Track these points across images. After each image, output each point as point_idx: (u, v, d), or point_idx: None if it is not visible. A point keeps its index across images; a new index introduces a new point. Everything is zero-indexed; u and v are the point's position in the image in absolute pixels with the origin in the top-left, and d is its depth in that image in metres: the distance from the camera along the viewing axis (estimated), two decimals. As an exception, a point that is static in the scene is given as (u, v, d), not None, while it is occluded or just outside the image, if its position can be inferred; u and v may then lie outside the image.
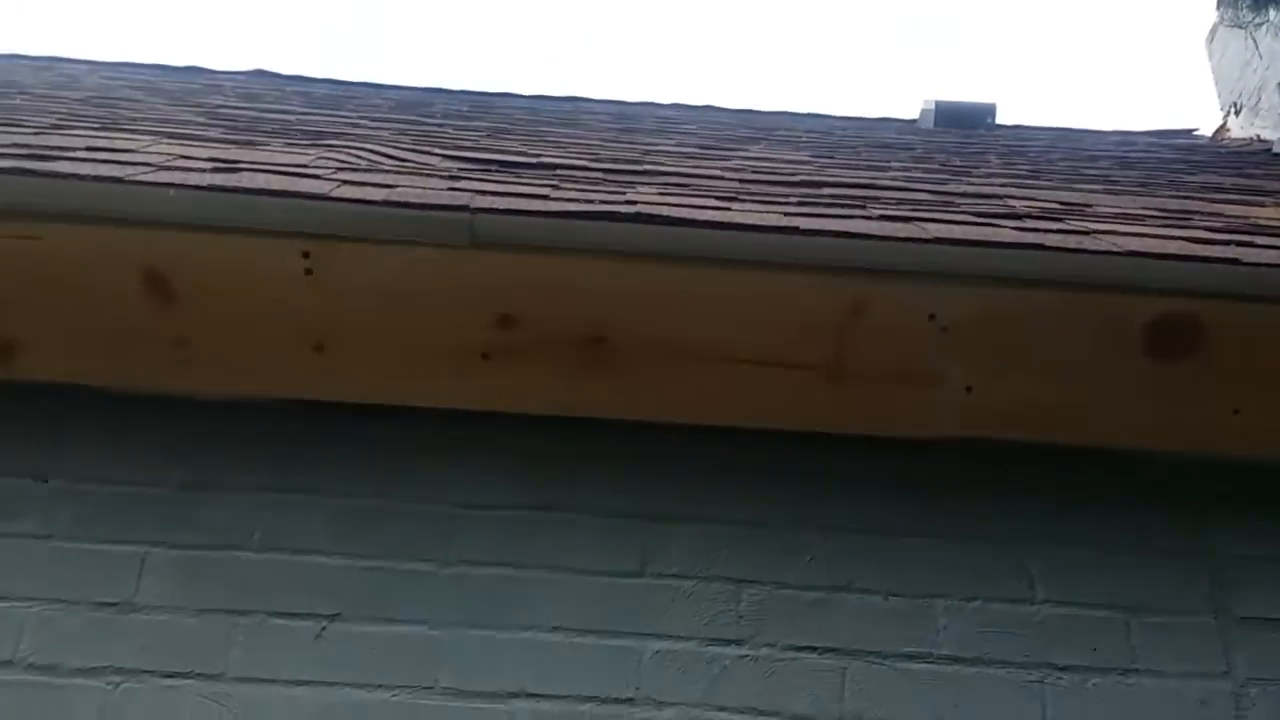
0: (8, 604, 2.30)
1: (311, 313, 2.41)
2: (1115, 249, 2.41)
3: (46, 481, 2.43)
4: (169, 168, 2.50)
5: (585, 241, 2.36)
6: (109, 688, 2.23)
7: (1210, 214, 3.05)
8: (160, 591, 2.33)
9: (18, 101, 3.78)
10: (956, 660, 2.34)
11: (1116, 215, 2.88)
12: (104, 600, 2.32)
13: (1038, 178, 3.81)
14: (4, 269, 2.36)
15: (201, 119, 3.67)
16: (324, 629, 2.31)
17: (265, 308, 2.41)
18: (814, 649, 2.34)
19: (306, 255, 2.35)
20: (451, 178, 2.73)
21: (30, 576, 2.33)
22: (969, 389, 2.45)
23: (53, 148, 2.62)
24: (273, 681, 2.25)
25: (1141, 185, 3.75)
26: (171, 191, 2.34)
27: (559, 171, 2.99)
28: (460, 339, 2.43)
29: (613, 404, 2.49)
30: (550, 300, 2.39)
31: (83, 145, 2.70)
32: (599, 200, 2.52)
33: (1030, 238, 2.46)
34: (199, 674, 2.25)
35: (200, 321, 2.43)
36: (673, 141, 4.12)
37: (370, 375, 2.47)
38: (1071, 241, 2.45)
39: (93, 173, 2.38)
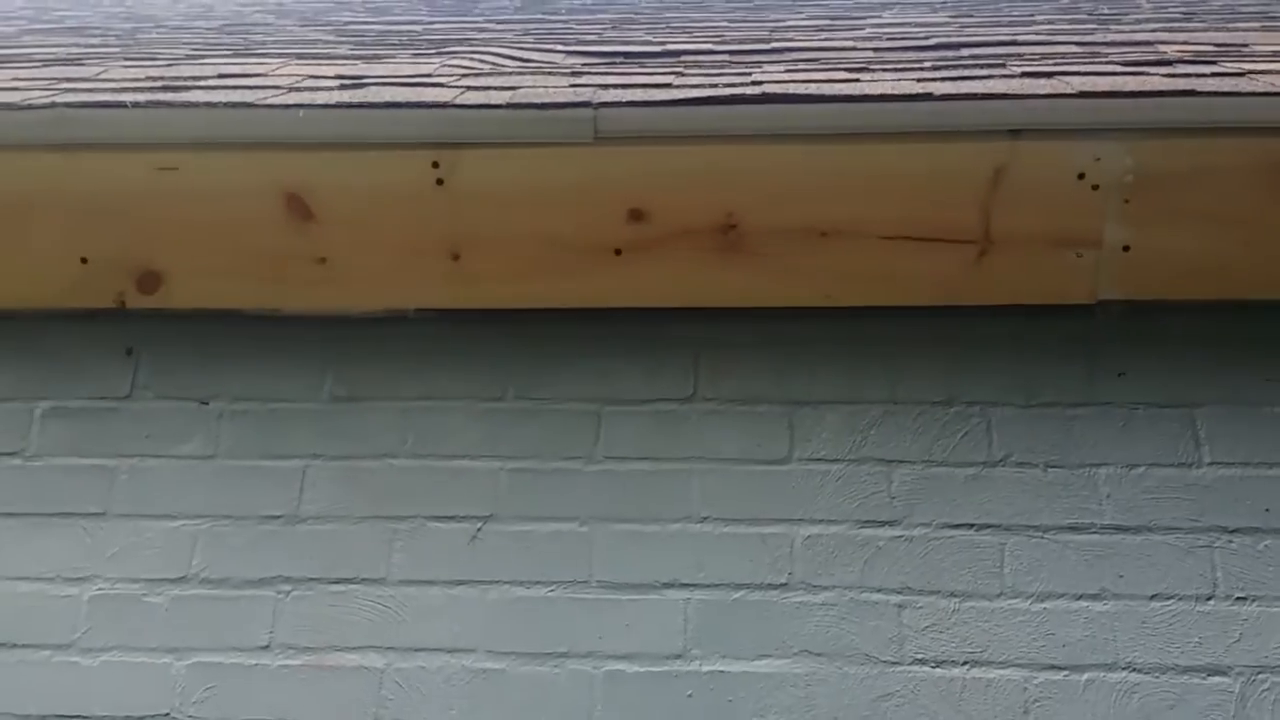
0: (179, 522, 2.40)
1: (445, 221, 2.42)
2: (1274, 89, 2.25)
3: (207, 404, 2.51)
4: (297, 89, 2.53)
5: (711, 127, 2.31)
6: (280, 596, 2.32)
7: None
8: (322, 502, 2.41)
9: (153, 35, 3.86)
10: (1120, 529, 2.26)
11: (1276, 53, 2.69)
12: (269, 514, 2.40)
13: (1191, 19, 3.59)
14: (146, 201, 2.43)
15: (331, 36, 3.69)
16: (479, 529, 2.35)
17: (400, 220, 2.43)
18: (970, 525, 2.29)
19: (436, 165, 2.36)
20: (574, 74, 2.70)
21: (199, 495, 2.43)
22: (1126, 248, 2.34)
23: (186, 78, 2.67)
24: (433, 583, 2.31)
25: (1305, 17, 3.50)
26: (300, 113, 2.36)
27: (684, 58, 2.93)
28: (592, 236, 2.42)
29: (750, 291, 2.46)
30: (679, 190, 2.36)
31: (214, 74, 2.75)
32: (723, 84, 2.46)
33: (1181, 84, 2.31)
34: (364, 579, 2.33)
35: (339, 239, 2.47)
36: (802, 15, 4.00)
37: (506, 279, 2.49)
38: (1226, 84, 2.30)
39: (224, 99, 2.41)
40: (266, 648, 2.28)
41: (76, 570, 2.37)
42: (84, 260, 2.52)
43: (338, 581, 2.33)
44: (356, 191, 2.40)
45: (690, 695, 2.20)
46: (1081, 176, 2.28)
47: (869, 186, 2.32)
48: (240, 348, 2.55)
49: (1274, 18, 3.53)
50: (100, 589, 2.35)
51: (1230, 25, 3.36)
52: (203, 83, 2.60)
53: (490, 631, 2.27)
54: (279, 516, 2.40)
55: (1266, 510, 2.26)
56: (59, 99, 2.41)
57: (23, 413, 2.53)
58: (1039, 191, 2.30)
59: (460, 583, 2.31)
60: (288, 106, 2.37)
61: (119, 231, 2.48)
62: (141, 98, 2.43)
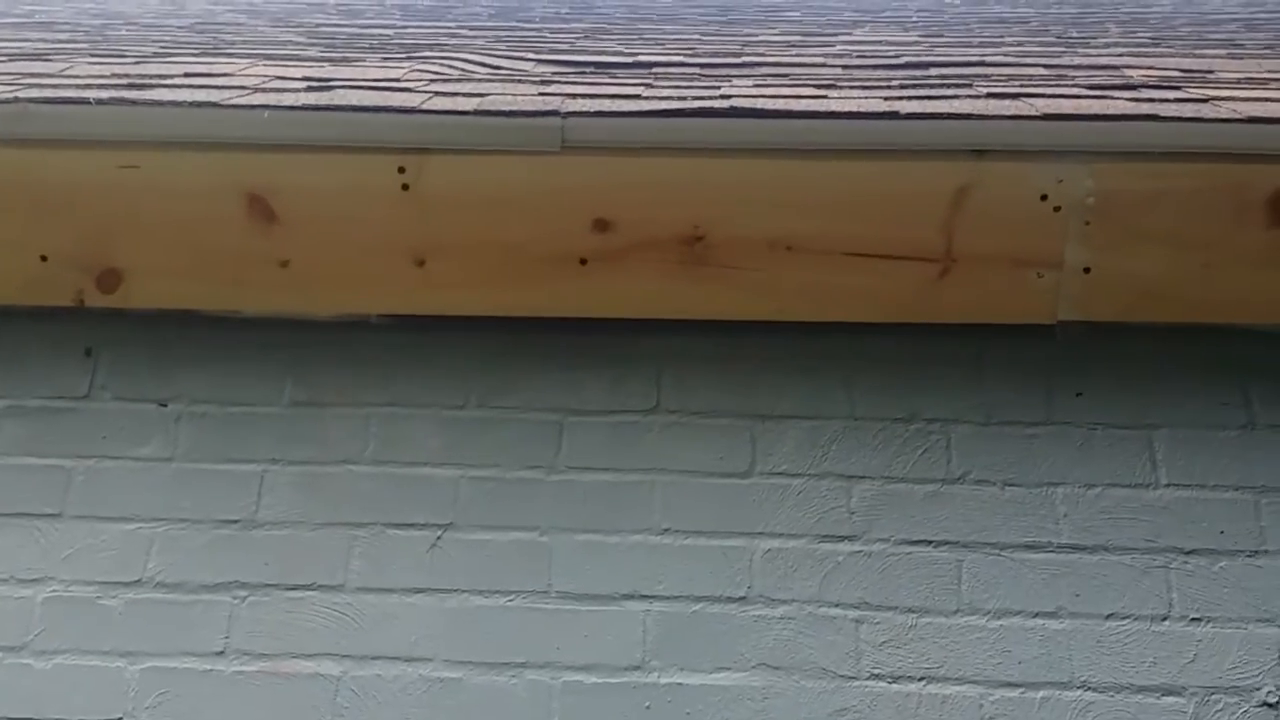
0: (135, 525, 2.38)
1: (411, 227, 2.41)
2: (1235, 115, 2.28)
3: (166, 406, 2.49)
4: (264, 89, 2.51)
5: (679, 140, 2.31)
6: (235, 601, 2.30)
7: (1342, 75, 2.87)
8: (280, 507, 2.39)
9: (123, 32, 3.83)
10: (1077, 549, 2.28)
11: (1239, 80, 2.73)
12: (226, 518, 2.38)
13: (1159, 45, 3.63)
14: (108, 199, 2.40)
15: (301, 38, 3.68)
16: (439, 538, 2.34)
17: (365, 224, 2.41)
18: (929, 542, 2.31)
19: (402, 170, 2.35)
20: (543, 82, 2.70)
21: (155, 498, 2.40)
22: (1087, 270, 2.36)
23: (151, 76, 2.65)
24: (391, 590, 2.30)
25: (1268, 48, 3.55)
26: (266, 114, 2.34)
27: (654, 69, 2.94)
28: (558, 245, 2.41)
29: (714, 304, 2.46)
30: (646, 202, 2.36)
31: (181, 72, 2.73)
32: (692, 97, 2.47)
33: (1145, 108, 2.34)
34: (321, 585, 2.31)
35: (302, 242, 2.44)
36: (775, 31, 4.01)
37: (471, 287, 2.47)
38: (1189, 110, 2.33)
39: (189, 99, 2.40)
40: (221, 653, 2.26)
41: (30, 571, 2.34)
42: (43, 258, 2.49)
43: (295, 588, 2.31)
44: (321, 194, 2.39)
45: (648, 707, 2.19)
46: (1044, 198, 2.29)
47: (834, 202, 2.33)
48: (200, 350, 2.53)
49: (1239, 45, 3.58)
50: (54, 591, 2.32)
51: (1197, 52, 3.40)
52: (169, 81, 2.59)
53: (448, 640, 2.25)
54: (236, 521, 2.38)
55: (1221, 532, 2.28)
56: (22, 94, 2.39)
57: (-23, 412, 2.51)
58: (1001, 212, 2.32)
59: (419, 591, 2.30)
60: (253, 107, 2.36)
61: (80, 229, 2.46)
62: (106, 95, 2.41)
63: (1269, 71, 2.93)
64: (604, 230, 2.38)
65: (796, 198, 2.33)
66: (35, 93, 2.41)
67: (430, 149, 2.34)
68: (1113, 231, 2.32)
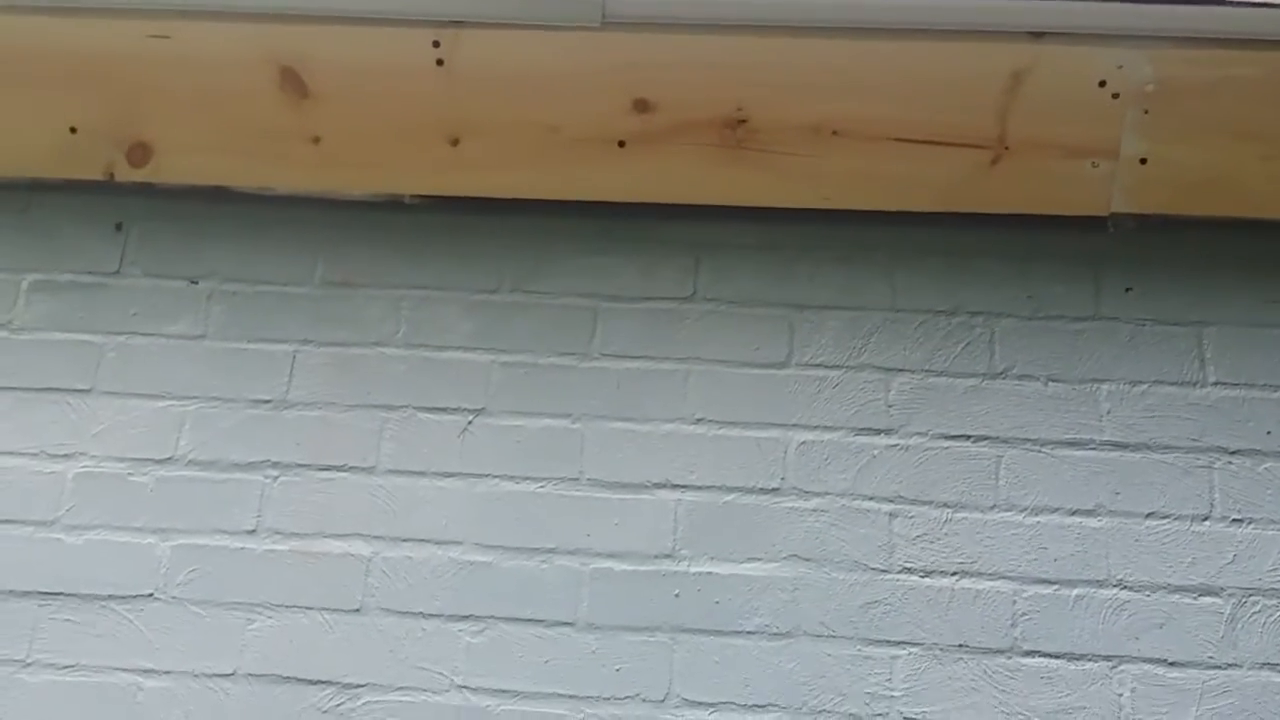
0: (166, 402, 2.37)
1: (445, 105, 2.36)
2: (1307, 0, 2.18)
3: (196, 283, 2.46)
4: (296, -41, 2.44)
5: (723, 16, 2.24)
6: (267, 480, 2.30)
7: None
8: (311, 388, 2.37)
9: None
10: (1120, 446, 2.24)
11: (1307, -33, 2.61)
12: (259, 397, 2.37)
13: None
14: (137, 70, 2.36)
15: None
16: (470, 422, 2.32)
17: (398, 101, 2.37)
18: (967, 437, 2.27)
19: (436, 44, 2.29)
20: (583, -45, 2.61)
21: (187, 376, 2.39)
22: (1143, 161, 2.29)
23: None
24: (423, 474, 2.29)
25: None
26: (298, -17, 2.28)
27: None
28: (596, 126, 2.36)
29: (755, 190, 2.40)
30: (688, 81, 2.29)
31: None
32: (738, -28, 2.38)
33: (1211, -9, 2.25)
34: (352, 467, 2.30)
35: (334, 118, 2.40)
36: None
37: (506, 168, 2.43)
38: (1258, -7, 2.23)
39: (219, -35, 2.34)
40: (253, 532, 2.26)
41: (61, 446, 2.34)
42: (73, 129, 2.45)
43: (326, 469, 2.30)
44: (354, 69, 2.34)
45: (677, 595, 2.19)
46: (1103, 84, 2.23)
47: (884, 85, 2.26)
48: (231, 227, 2.50)
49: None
50: (85, 466, 2.32)
51: (1260, -64, 3.26)
52: (198, -51, 2.51)
53: (478, 524, 2.25)
54: (268, 401, 2.36)
55: (1268, 433, 2.24)
56: (49, -40, 2.33)
57: (9, 285, 2.48)
58: (1058, 97, 2.25)
59: (449, 475, 2.29)
60: (286, -24, 2.30)
61: (109, 100, 2.42)
62: (136, -39, 2.35)
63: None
64: (644, 111, 2.32)
65: (844, 80, 2.27)
66: (62, -42, 2.35)
67: (466, 22, 2.28)
68: (1171, 121, 2.26)
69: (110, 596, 2.23)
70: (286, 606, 2.21)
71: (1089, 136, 2.28)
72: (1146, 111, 2.23)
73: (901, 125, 2.30)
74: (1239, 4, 2.19)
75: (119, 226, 2.51)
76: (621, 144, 2.37)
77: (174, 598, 2.22)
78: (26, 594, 2.23)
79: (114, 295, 2.46)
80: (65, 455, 2.33)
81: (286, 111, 2.38)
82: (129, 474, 2.31)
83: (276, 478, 2.30)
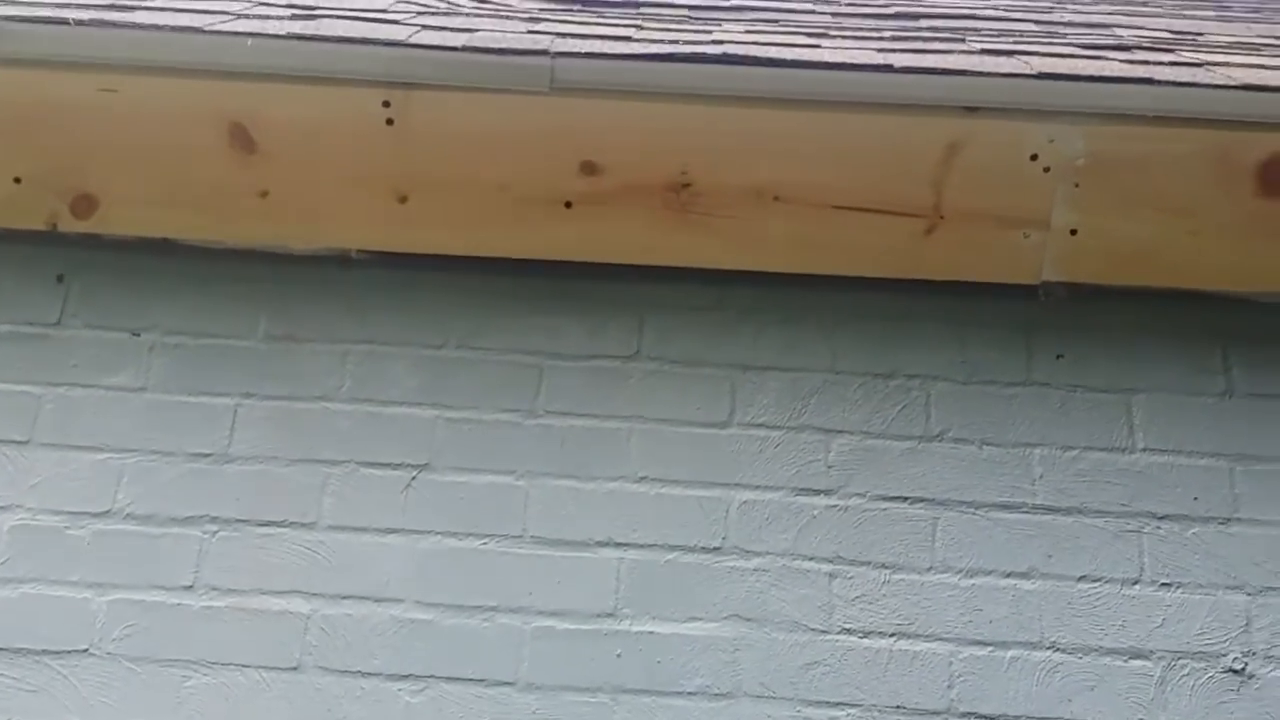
0: (105, 455, 2.35)
1: (394, 162, 2.38)
2: (1230, 82, 2.26)
3: (138, 335, 2.45)
4: (247, 15, 2.46)
5: (669, 85, 2.28)
6: (205, 536, 2.28)
7: (1334, 43, 2.86)
8: (253, 442, 2.36)
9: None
10: (1052, 510, 2.29)
11: (1231, 45, 2.71)
12: (199, 451, 2.35)
13: (1147, 4, 3.60)
14: (85, 122, 2.36)
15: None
16: (414, 478, 2.32)
17: (347, 158, 2.38)
18: (904, 499, 2.31)
19: (387, 104, 2.31)
20: (532, 19, 2.65)
21: (126, 428, 2.37)
22: (1073, 231, 2.35)
23: (134, -2, 2.59)
24: (364, 530, 2.29)
25: (1255, 10, 3.53)
26: (249, 41, 2.30)
27: (644, 9, 2.89)
28: (543, 187, 2.38)
29: (699, 252, 2.43)
30: (634, 146, 2.33)
31: (163, -7, 2.66)
32: (684, 41, 2.43)
33: (1140, 70, 2.32)
34: (293, 523, 2.29)
35: (283, 173, 2.41)
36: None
37: (453, 226, 2.44)
38: (1184, 74, 2.31)
39: (171, 22, 2.34)
40: (190, 587, 2.24)
41: (-3, 498, 2.32)
42: (17, 180, 2.44)
43: (266, 524, 2.29)
44: (303, 126, 2.35)
45: (619, 655, 2.19)
46: (1034, 158, 2.28)
47: (824, 153, 2.31)
48: (175, 280, 2.49)
49: (1227, 7, 3.56)
50: (21, 519, 2.30)
51: (1185, 13, 3.37)
52: (151, 3, 2.52)
53: (420, 581, 2.25)
54: (208, 455, 2.35)
55: (1195, 499, 2.29)
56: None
57: (-54, 334, 2.46)
58: (991, 170, 2.30)
59: (392, 531, 2.29)
60: (236, 34, 2.31)
61: (55, 152, 2.41)
62: (85, 15, 2.35)
63: (1259, 36, 2.91)
64: (591, 173, 2.35)
65: (786, 148, 2.31)
66: (12, 10, 2.35)
67: (416, 84, 2.30)
68: (1101, 194, 2.31)
69: (44, 651, 2.20)
70: (223, 664, 2.19)
71: (1021, 208, 2.34)
72: (1077, 185, 2.30)
73: (841, 193, 2.34)
74: (1169, 83, 2.26)
75: (60, 278, 2.50)
76: (569, 204, 2.40)
77: (109, 654, 2.19)
78: (-42, 649, 2.20)
79: (54, 346, 2.44)
80: (1, 507, 2.30)
81: (234, 166, 2.38)
82: (65, 527, 2.29)
83: (215, 533, 2.29)
